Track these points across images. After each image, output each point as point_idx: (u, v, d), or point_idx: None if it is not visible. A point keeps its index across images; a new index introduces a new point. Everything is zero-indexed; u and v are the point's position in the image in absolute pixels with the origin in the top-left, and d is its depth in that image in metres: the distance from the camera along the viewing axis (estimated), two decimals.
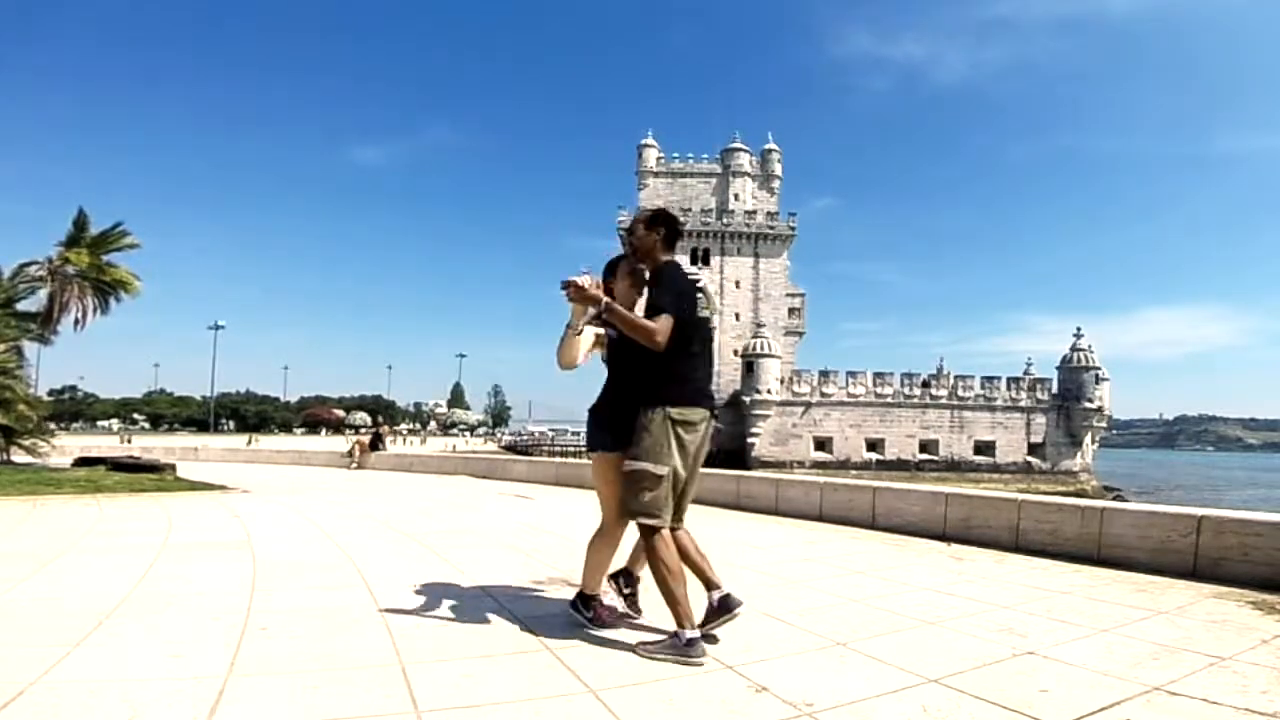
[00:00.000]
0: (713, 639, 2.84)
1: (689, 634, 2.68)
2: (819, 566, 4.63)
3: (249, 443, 44.32)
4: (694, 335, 2.96)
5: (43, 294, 15.75)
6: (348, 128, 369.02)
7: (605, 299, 2.83)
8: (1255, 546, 4.02)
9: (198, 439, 51.30)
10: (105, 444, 26.96)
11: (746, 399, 43.73)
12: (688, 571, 2.90)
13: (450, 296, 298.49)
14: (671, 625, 2.75)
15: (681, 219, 50.31)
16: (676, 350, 2.86)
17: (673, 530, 2.94)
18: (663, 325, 2.79)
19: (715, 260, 50.84)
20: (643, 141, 53.34)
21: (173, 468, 12.52)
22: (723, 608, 2.90)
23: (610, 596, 3.17)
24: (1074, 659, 2.66)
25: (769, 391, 43.70)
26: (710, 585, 2.96)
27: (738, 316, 50.58)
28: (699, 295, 2.99)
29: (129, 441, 34.85)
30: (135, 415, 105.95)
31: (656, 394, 2.87)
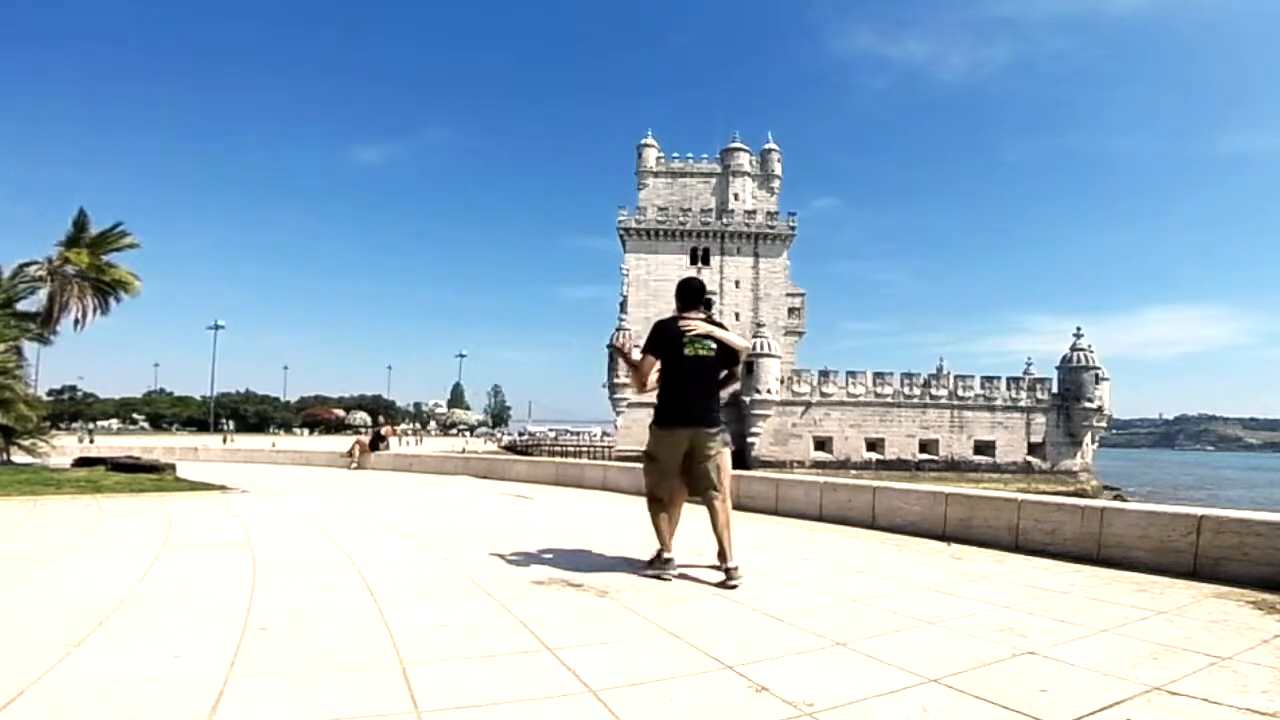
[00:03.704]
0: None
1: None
2: (819, 566, 4.63)
3: (225, 442, 44.21)
4: (674, 371, 4.14)
5: (43, 294, 15.72)
6: (348, 128, 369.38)
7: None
8: (1255, 546, 4.02)
9: (197, 439, 51.30)
10: (70, 444, 26.11)
11: (746, 399, 43.72)
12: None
13: (450, 296, 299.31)
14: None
15: (682, 218, 50.56)
16: (662, 382, 4.21)
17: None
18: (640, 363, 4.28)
19: (715, 260, 50.82)
20: (643, 141, 53.32)
21: (172, 468, 12.50)
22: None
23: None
24: (1074, 659, 2.66)
25: (769, 391, 43.69)
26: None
27: (738, 316, 50.54)
28: (684, 340, 4.10)
29: (91, 442, 34.33)
30: (135, 415, 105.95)
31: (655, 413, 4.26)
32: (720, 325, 4.29)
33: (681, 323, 4.18)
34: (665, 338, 4.18)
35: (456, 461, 16.97)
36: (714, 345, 4.14)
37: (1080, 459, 44.86)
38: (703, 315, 4.28)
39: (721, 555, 4.05)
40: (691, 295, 4.33)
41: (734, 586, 3.84)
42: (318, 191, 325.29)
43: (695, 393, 4.13)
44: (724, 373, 4.27)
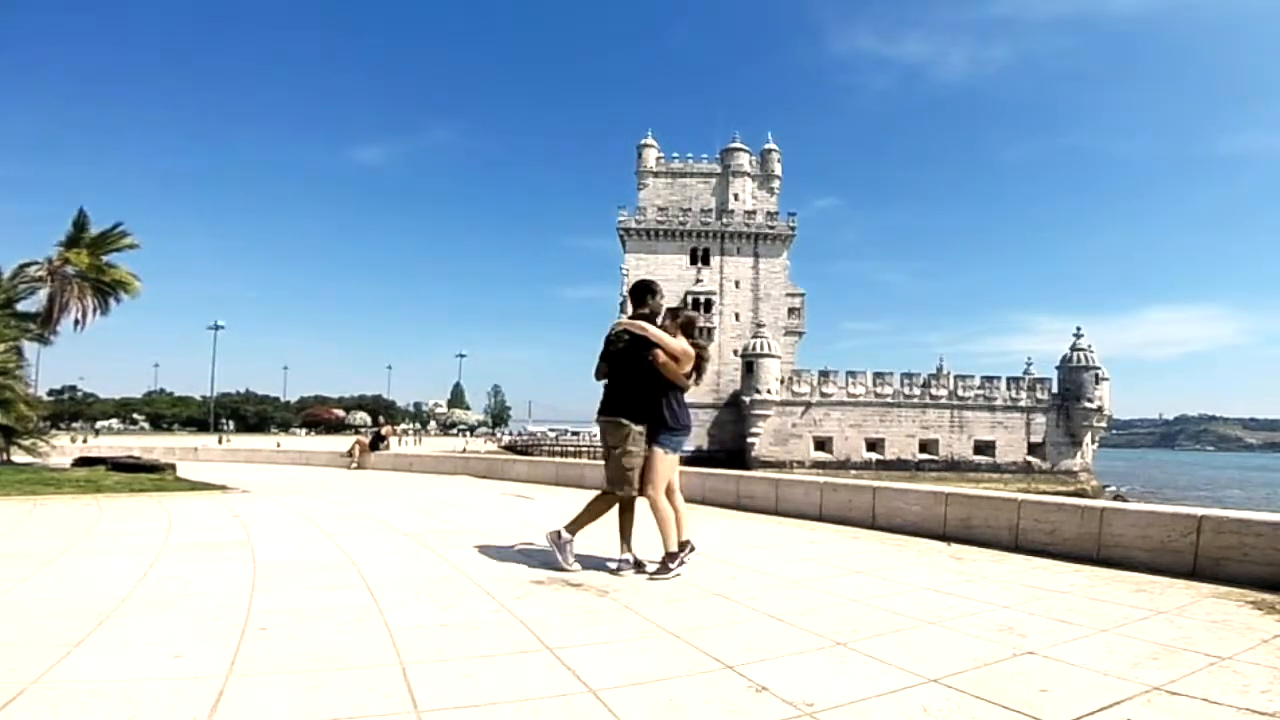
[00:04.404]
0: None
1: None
2: (819, 566, 4.63)
3: (220, 441, 44.40)
4: (611, 366, 4.38)
5: (43, 294, 15.74)
6: (348, 127, 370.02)
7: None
8: (1255, 546, 4.02)
9: (197, 439, 51.28)
10: (67, 444, 25.83)
11: (746, 399, 43.74)
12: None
13: (450, 296, 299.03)
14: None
15: (682, 218, 50.57)
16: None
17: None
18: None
19: (715, 260, 50.85)
20: (643, 141, 53.37)
21: (173, 468, 12.50)
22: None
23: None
24: (1074, 659, 2.66)
25: (769, 391, 43.70)
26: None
27: (738, 316, 50.59)
28: (612, 337, 4.35)
29: (85, 442, 34.32)
30: (135, 415, 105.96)
31: None
32: (651, 320, 4.41)
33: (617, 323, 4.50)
34: (605, 339, 4.50)
35: (456, 461, 16.97)
36: (628, 336, 4.33)
37: (1080, 459, 44.90)
38: (641, 311, 4.48)
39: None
40: (639, 296, 4.60)
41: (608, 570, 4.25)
42: (318, 191, 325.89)
43: (611, 384, 4.42)
44: (650, 360, 4.21)
